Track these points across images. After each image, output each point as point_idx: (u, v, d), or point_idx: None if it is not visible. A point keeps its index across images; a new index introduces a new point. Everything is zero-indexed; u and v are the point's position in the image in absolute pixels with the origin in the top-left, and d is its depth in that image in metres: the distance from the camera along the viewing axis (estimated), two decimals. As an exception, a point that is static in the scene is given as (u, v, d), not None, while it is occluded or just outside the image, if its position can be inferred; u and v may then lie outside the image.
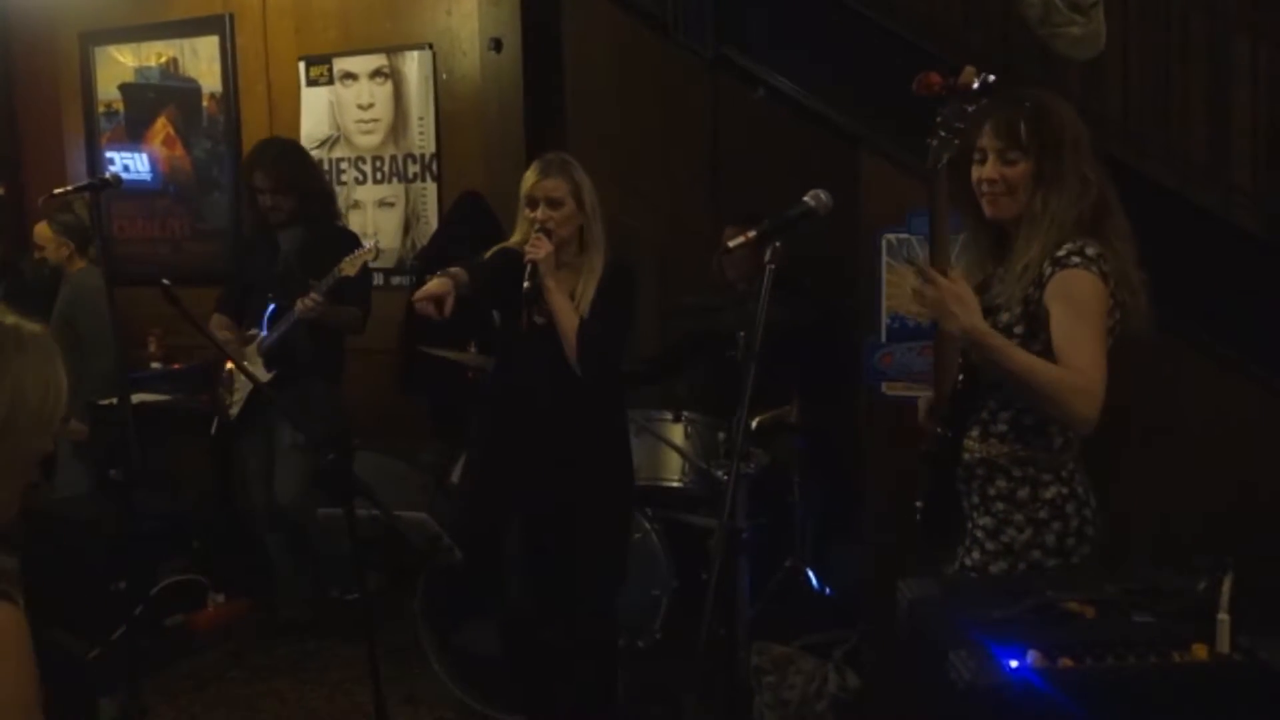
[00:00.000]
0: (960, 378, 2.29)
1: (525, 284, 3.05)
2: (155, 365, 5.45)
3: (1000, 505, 2.29)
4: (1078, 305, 2.15)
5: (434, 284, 3.01)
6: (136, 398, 4.30)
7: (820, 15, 3.92)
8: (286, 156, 4.27)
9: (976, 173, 2.29)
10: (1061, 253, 2.19)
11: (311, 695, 4.01)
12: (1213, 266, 3.48)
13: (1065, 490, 2.28)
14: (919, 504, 2.41)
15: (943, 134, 2.13)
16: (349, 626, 4.22)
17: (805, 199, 2.40)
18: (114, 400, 4.12)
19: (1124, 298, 2.22)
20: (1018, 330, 2.24)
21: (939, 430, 2.33)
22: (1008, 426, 2.29)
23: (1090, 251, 2.18)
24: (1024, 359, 2.12)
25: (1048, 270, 2.20)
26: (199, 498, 4.88)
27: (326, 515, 3.82)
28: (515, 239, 3.23)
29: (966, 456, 2.32)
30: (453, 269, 3.09)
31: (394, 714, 3.21)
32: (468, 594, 3.62)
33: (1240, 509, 3.33)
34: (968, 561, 2.33)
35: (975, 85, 2.10)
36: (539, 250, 3.05)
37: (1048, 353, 2.17)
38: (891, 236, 3.81)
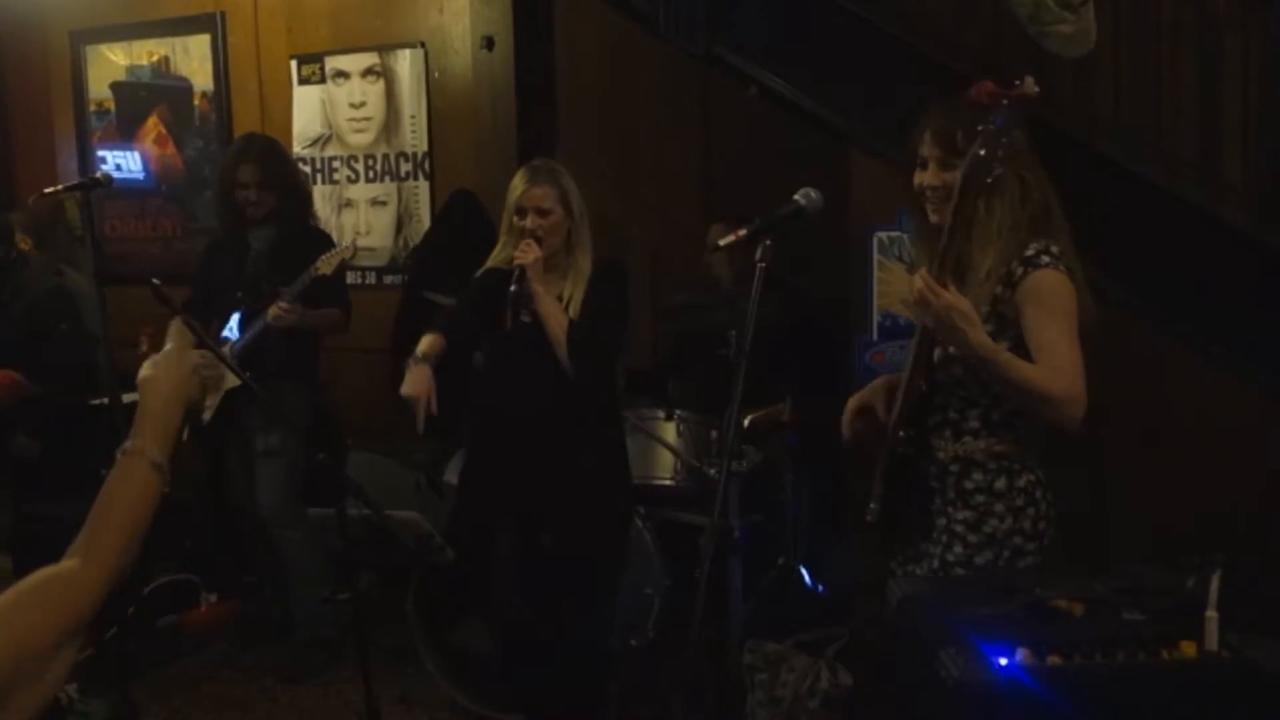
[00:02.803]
0: (921, 383, 2.32)
1: (512, 288, 3.05)
2: (147, 365, 5.44)
3: (980, 498, 2.32)
4: (1053, 307, 2.20)
5: (411, 382, 3.04)
6: (127, 397, 4.27)
7: (811, 13, 3.93)
8: (272, 153, 4.21)
9: (919, 179, 2.33)
10: (1030, 252, 2.21)
11: (304, 695, 4.00)
12: (1202, 263, 3.49)
13: (1033, 477, 2.33)
14: (874, 506, 2.43)
15: (1000, 142, 2.07)
16: (342, 626, 4.21)
17: (795, 197, 2.41)
18: (105, 399, 4.10)
19: (1079, 294, 2.26)
20: (987, 328, 2.24)
21: (901, 432, 2.35)
22: (979, 423, 2.32)
23: (1055, 250, 2.23)
24: (1025, 370, 2.16)
25: (1018, 270, 2.22)
26: (191, 497, 4.87)
27: (318, 515, 3.82)
28: (499, 253, 3.23)
29: (940, 455, 2.35)
30: (424, 346, 3.11)
31: (387, 714, 3.21)
32: (460, 593, 3.62)
33: (1230, 505, 3.34)
34: (949, 557, 2.33)
35: (1036, 92, 2.06)
36: (527, 255, 3.06)
37: (1018, 348, 2.21)
38: (883, 235, 3.82)
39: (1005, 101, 2.04)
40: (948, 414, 2.35)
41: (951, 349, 2.25)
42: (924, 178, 2.31)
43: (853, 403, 2.54)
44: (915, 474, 2.37)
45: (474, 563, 3.35)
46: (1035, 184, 2.26)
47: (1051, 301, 2.20)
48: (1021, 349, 2.21)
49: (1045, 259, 2.21)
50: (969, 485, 2.33)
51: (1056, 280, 2.21)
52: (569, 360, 3.09)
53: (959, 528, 2.33)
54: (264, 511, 4.11)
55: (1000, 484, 2.31)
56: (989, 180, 2.10)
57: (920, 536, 2.40)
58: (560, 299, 3.15)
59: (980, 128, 2.06)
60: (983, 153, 2.06)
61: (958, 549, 2.33)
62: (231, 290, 4.10)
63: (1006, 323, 2.25)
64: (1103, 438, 3.53)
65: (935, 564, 2.36)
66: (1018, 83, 2.04)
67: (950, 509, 2.35)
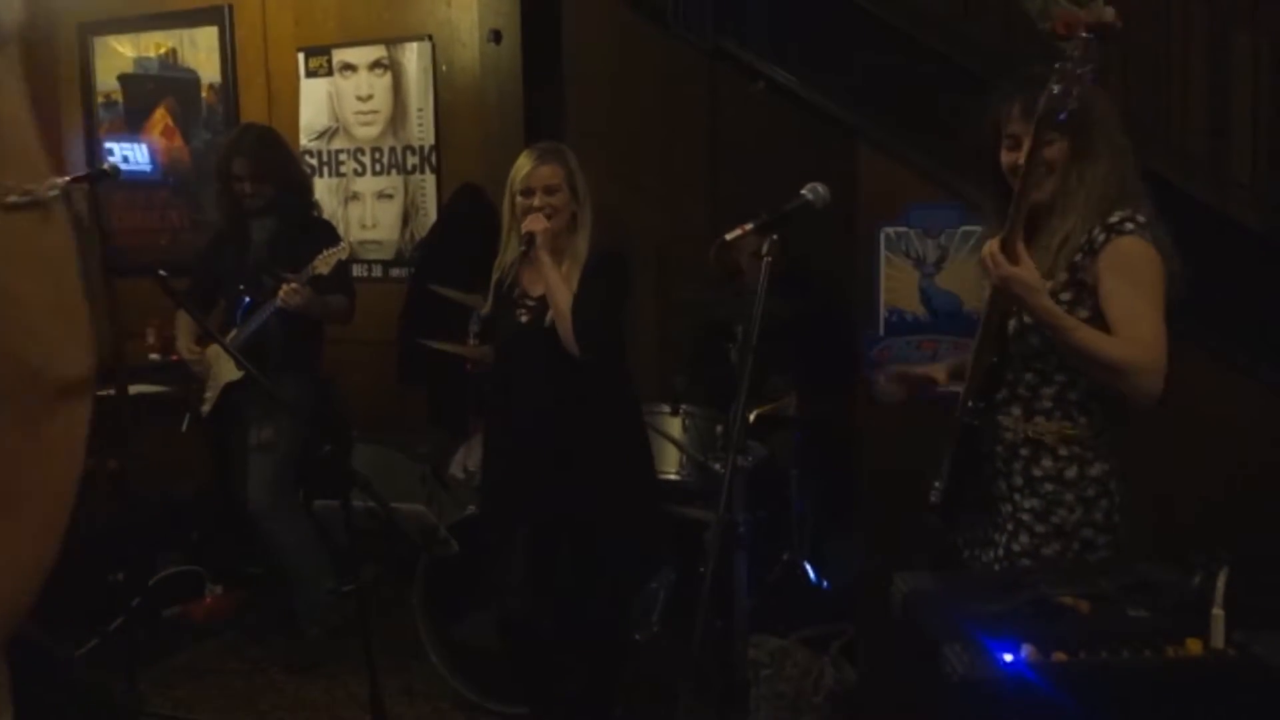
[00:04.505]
0: (992, 355, 2.26)
1: (521, 248, 3.05)
2: (153, 356, 5.45)
3: (1048, 486, 2.23)
4: (1135, 276, 2.13)
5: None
6: (134, 388, 4.27)
7: (819, 7, 3.92)
8: (267, 144, 4.17)
9: (1013, 157, 2.23)
10: (1114, 219, 2.16)
11: (308, 687, 4.00)
12: (1212, 262, 3.47)
13: (1108, 466, 2.24)
14: (938, 485, 2.35)
15: (1075, 76, 1.98)
16: (347, 618, 4.21)
17: (803, 192, 2.41)
18: (111, 391, 4.10)
19: (1168, 263, 2.19)
20: (1064, 297, 2.19)
21: (970, 402, 2.27)
22: (1052, 403, 2.25)
23: (1141, 219, 2.16)
24: (1094, 338, 2.09)
25: (1100, 237, 2.17)
26: (196, 488, 4.88)
27: (324, 507, 3.82)
28: (505, 250, 3.20)
29: (1009, 436, 2.27)
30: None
31: (391, 706, 3.21)
32: (466, 586, 3.62)
33: (1237, 504, 3.33)
34: (1015, 547, 2.26)
35: (1113, 18, 2.03)
36: (537, 224, 3.04)
37: (1096, 319, 2.14)
38: (890, 230, 3.81)
39: (1084, 33, 1.99)
40: (1017, 390, 2.27)
41: (1027, 318, 2.20)
42: (1018, 156, 2.19)
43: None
44: (981, 454, 2.28)
45: (485, 558, 3.33)
46: (1123, 151, 2.21)
47: (1134, 271, 2.13)
48: (1099, 320, 2.14)
49: (1130, 225, 2.15)
50: (1037, 472, 2.24)
51: (1140, 248, 2.14)
52: (571, 336, 3.04)
53: (1025, 516, 2.25)
54: (252, 506, 4.10)
55: (1071, 473, 2.23)
56: (1062, 118, 2.01)
57: (986, 521, 2.34)
58: None
59: (1056, 65, 2.00)
60: (1056, 89, 2.00)
61: (1024, 538, 2.25)
62: (234, 282, 4.10)
63: (1085, 290, 2.18)
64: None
65: (1000, 552, 2.29)
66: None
67: (1017, 495, 2.27)
